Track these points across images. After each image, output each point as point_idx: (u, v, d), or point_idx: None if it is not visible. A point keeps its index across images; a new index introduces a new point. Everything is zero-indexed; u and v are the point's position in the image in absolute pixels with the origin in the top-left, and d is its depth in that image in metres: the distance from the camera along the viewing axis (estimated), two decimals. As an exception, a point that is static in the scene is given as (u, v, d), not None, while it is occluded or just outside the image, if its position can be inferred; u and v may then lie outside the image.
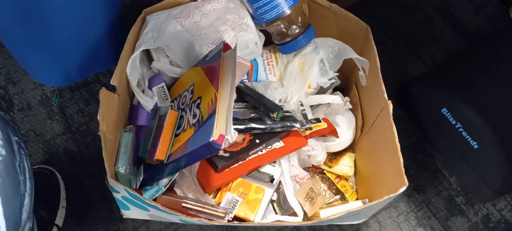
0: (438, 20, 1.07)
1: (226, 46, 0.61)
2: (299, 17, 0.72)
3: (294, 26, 0.72)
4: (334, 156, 0.82)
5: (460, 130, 0.80)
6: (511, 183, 0.82)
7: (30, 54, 0.81)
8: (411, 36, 1.04)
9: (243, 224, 0.67)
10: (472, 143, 0.79)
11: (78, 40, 0.78)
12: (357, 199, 0.79)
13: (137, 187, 0.65)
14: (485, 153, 0.78)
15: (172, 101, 0.70)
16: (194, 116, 0.61)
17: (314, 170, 0.81)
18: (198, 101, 0.61)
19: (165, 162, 0.63)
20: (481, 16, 1.08)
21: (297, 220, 0.69)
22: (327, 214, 0.69)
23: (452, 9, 1.09)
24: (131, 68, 0.66)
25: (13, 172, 0.46)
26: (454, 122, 0.81)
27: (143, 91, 0.70)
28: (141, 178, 0.65)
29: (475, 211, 0.85)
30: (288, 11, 0.69)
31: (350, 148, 0.82)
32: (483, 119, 0.77)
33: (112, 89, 0.63)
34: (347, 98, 0.79)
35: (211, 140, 0.52)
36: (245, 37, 0.71)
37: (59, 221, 0.74)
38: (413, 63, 1.00)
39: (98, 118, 0.58)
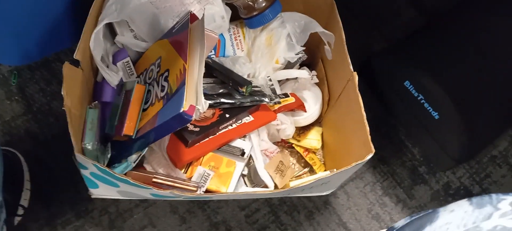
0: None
1: (193, 17, 0.60)
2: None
3: (261, 0, 0.72)
4: (302, 130, 0.83)
5: (422, 101, 0.83)
6: (469, 151, 0.86)
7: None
8: (372, 12, 1.06)
9: (214, 195, 0.67)
10: (433, 113, 0.82)
11: (36, 14, 0.74)
12: (325, 170, 0.81)
13: (105, 165, 0.64)
14: (446, 123, 0.82)
15: (138, 76, 0.69)
16: (162, 89, 0.60)
17: (283, 144, 0.82)
18: (166, 74, 0.61)
19: (133, 137, 0.62)
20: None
21: (269, 190, 0.70)
22: (297, 183, 0.70)
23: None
24: (94, 42, 0.64)
25: None
26: (416, 94, 0.83)
27: (107, 67, 0.68)
28: (109, 155, 0.64)
29: (437, 179, 0.89)
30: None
31: (317, 122, 0.84)
32: (444, 90, 0.80)
33: (76, 64, 0.62)
34: (314, 72, 0.80)
35: (181, 110, 0.52)
36: (212, 11, 0.70)
37: (24, 202, 0.72)
38: (375, 39, 1.02)
39: (62, 93, 0.56)
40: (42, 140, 0.80)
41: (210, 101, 0.67)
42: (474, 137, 0.83)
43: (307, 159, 0.81)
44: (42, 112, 0.82)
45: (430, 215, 0.45)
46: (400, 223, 0.53)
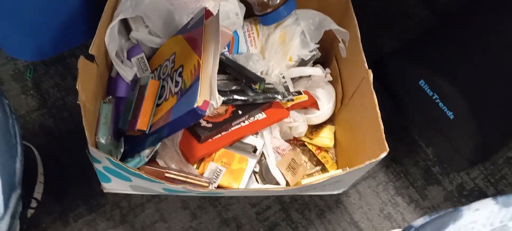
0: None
1: (208, 13, 0.60)
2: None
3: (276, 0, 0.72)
4: (314, 128, 0.83)
5: (436, 101, 0.82)
6: (484, 153, 0.85)
7: (0, 27, 0.78)
8: (384, 12, 1.05)
9: (226, 191, 0.67)
10: (448, 113, 0.81)
11: (51, 10, 0.75)
12: (337, 169, 0.80)
13: (118, 159, 0.64)
14: (461, 123, 0.80)
15: (152, 72, 0.69)
16: (176, 85, 0.60)
17: (295, 142, 0.81)
18: (180, 69, 0.61)
19: (147, 132, 0.62)
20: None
21: (281, 188, 0.70)
22: (309, 181, 0.70)
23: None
24: (109, 38, 0.64)
25: (7, 134, 0.44)
26: (431, 93, 0.82)
27: (122, 62, 0.69)
28: (122, 150, 0.64)
29: (450, 180, 0.88)
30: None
31: (330, 121, 0.83)
32: (459, 89, 0.79)
33: (91, 59, 0.62)
34: (328, 70, 0.79)
35: (195, 106, 0.52)
36: (226, 8, 0.70)
37: (37, 195, 0.73)
38: (387, 40, 1.01)
39: (77, 87, 0.56)
40: (56, 135, 0.81)
41: (223, 98, 0.67)
42: (489, 137, 0.81)
43: (319, 157, 0.81)
44: (56, 107, 0.83)
45: (453, 213, 0.45)
46: (419, 221, 0.53)
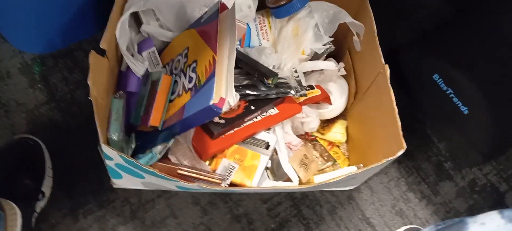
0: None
1: (222, 7, 0.58)
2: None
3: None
4: (326, 123, 0.81)
5: (451, 95, 0.81)
6: (499, 147, 0.83)
7: (8, 19, 0.76)
8: (400, 3, 1.03)
9: (239, 189, 0.66)
10: (463, 108, 0.80)
11: (59, 2, 0.74)
12: (349, 165, 0.79)
13: (130, 155, 0.63)
14: (475, 118, 0.79)
15: (164, 66, 0.68)
16: (190, 80, 0.59)
17: (307, 137, 0.80)
18: (194, 65, 0.59)
19: (159, 128, 0.61)
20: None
21: (293, 185, 0.69)
22: (322, 179, 0.69)
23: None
24: (120, 31, 0.63)
25: None
26: (445, 88, 0.81)
27: (132, 56, 0.67)
28: (133, 146, 0.63)
29: (462, 175, 0.87)
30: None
31: (342, 115, 0.82)
32: (475, 84, 0.77)
33: (101, 53, 0.61)
34: (341, 64, 0.78)
35: (211, 103, 0.51)
36: (239, 0, 0.69)
37: (46, 189, 0.72)
38: (401, 31, 0.99)
39: (88, 82, 0.55)
40: (64, 129, 0.80)
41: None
42: (504, 133, 0.80)
43: (331, 152, 0.80)
44: (65, 101, 0.82)
45: (458, 225, 0.44)
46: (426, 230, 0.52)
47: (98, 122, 0.55)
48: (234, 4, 0.56)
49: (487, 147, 0.81)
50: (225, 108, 0.51)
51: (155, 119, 0.60)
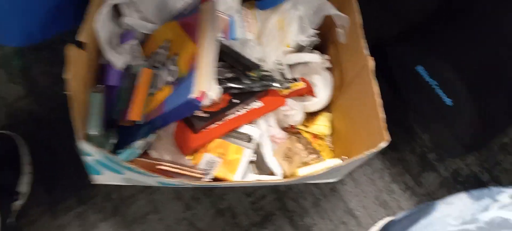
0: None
1: (203, 5, 0.57)
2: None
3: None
4: (310, 116, 0.81)
5: (434, 87, 0.81)
6: (482, 139, 0.84)
7: (-15, 11, 0.74)
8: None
9: (222, 184, 0.66)
10: (446, 100, 0.80)
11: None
12: (333, 157, 0.79)
13: (110, 151, 0.62)
14: (459, 110, 0.79)
15: (145, 59, 0.67)
16: (171, 74, 0.58)
17: (291, 130, 0.80)
18: (175, 57, 0.58)
19: (140, 123, 0.60)
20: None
21: (277, 179, 0.68)
22: (306, 172, 0.69)
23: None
24: (100, 23, 0.61)
25: None
26: (429, 80, 0.81)
27: (113, 49, 0.66)
28: (114, 141, 0.62)
29: (446, 166, 0.87)
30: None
31: (327, 108, 0.82)
32: (459, 77, 0.77)
33: (80, 46, 0.59)
34: (326, 56, 0.77)
35: (191, 96, 0.50)
36: (221, -9, 0.68)
37: (23, 187, 0.70)
38: (388, 23, 0.99)
39: (65, 76, 0.54)
40: (45, 123, 0.78)
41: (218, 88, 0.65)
42: (487, 125, 0.81)
43: (315, 145, 0.79)
44: (46, 95, 0.80)
45: (428, 206, 0.45)
46: (399, 215, 0.53)
47: (75, 117, 0.53)
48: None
49: (470, 139, 0.81)
50: (206, 102, 0.50)
51: (134, 113, 0.59)
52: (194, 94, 0.50)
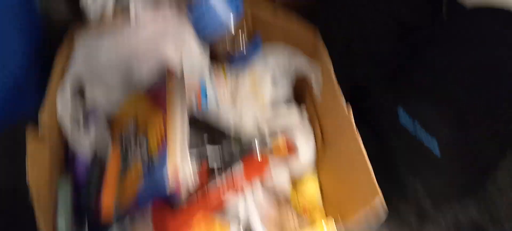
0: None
1: (170, 71, 0.54)
2: (244, 32, 0.67)
3: (240, 41, 0.67)
4: (298, 185, 0.76)
5: (417, 134, 0.78)
6: (474, 184, 0.81)
7: None
8: (354, 34, 1.00)
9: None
10: (433, 146, 0.77)
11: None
12: (326, 217, 0.74)
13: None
14: (448, 155, 0.76)
15: (113, 137, 0.62)
16: (142, 150, 0.53)
17: (279, 197, 0.75)
18: (144, 132, 0.54)
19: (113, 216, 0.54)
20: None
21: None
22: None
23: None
24: (61, 103, 0.57)
25: None
26: (411, 126, 0.78)
27: (77, 130, 0.61)
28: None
29: (443, 214, 0.84)
30: (232, 30, 0.64)
31: (312, 169, 0.77)
32: (440, 115, 0.75)
33: (41, 132, 0.54)
34: (305, 113, 0.74)
35: (165, 184, 0.45)
36: (189, 53, 0.64)
37: None
38: (359, 65, 0.97)
39: (26, 170, 0.49)
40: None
41: (195, 157, 0.60)
42: (479, 167, 0.78)
43: (306, 209, 0.74)
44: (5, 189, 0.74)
45: None
46: None
47: (38, 214, 0.48)
48: (182, 67, 0.52)
49: (463, 186, 0.78)
50: (182, 186, 0.45)
51: (106, 211, 0.53)
52: (168, 180, 0.45)
